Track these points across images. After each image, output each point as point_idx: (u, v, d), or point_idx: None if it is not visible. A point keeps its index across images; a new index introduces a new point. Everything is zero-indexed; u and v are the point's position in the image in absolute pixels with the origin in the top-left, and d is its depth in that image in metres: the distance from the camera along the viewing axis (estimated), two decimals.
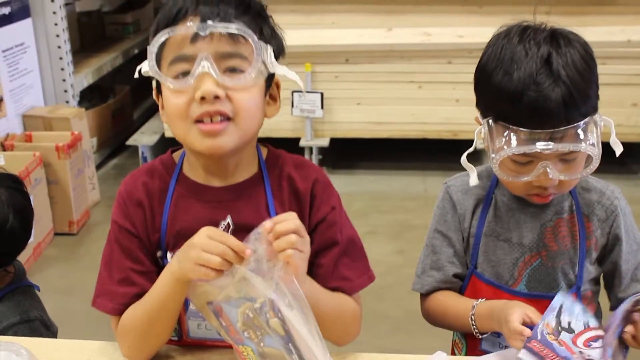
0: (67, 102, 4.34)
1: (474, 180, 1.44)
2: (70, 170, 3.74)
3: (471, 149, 1.41)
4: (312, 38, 4.05)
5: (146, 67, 1.25)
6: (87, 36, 5.18)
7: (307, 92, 4.13)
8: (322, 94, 4.15)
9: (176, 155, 1.40)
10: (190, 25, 1.20)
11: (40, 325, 1.66)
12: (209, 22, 1.20)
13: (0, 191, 1.69)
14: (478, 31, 4.11)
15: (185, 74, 1.21)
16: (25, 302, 1.69)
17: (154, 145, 4.44)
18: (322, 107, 4.18)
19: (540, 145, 1.27)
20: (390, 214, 3.91)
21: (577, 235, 1.46)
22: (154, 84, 1.31)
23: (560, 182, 1.35)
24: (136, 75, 1.30)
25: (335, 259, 1.35)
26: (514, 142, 1.29)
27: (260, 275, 1.14)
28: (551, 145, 1.27)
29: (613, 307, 1.50)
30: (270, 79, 1.30)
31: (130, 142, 4.52)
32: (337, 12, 4.44)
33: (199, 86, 1.19)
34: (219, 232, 1.18)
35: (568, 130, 1.28)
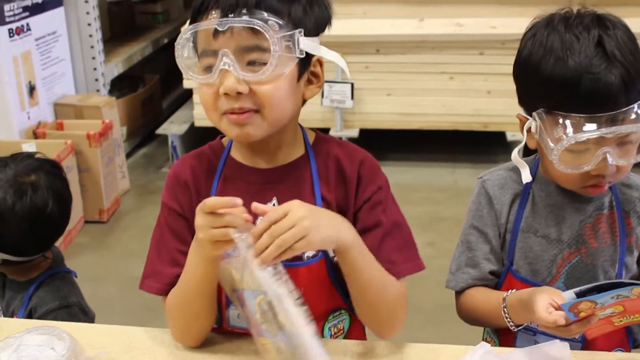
0: (97, 90, 4.36)
1: (526, 176, 1.40)
2: (101, 158, 3.76)
3: (521, 145, 1.39)
4: (342, 28, 4.03)
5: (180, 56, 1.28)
6: (117, 25, 5.20)
7: (337, 82, 4.11)
8: (352, 85, 4.13)
9: (225, 140, 1.41)
10: (212, 20, 1.21)
11: (78, 311, 1.67)
12: (230, 15, 1.18)
13: (40, 176, 1.70)
14: (511, 22, 4.08)
15: (212, 67, 1.22)
16: (64, 288, 1.70)
17: (183, 135, 4.45)
18: (352, 97, 4.16)
19: (602, 129, 1.25)
20: (420, 206, 3.88)
21: (617, 231, 1.43)
22: None
23: (617, 168, 1.32)
24: (177, 59, 1.31)
25: (379, 240, 1.32)
26: (574, 130, 1.27)
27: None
28: (613, 128, 1.25)
29: None
30: (307, 60, 1.27)
31: (160, 131, 4.54)
32: (368, 2, 4.43)
33: (221, 82, 1.21)
34: (211, 203, 1.16)
35: (627, 111, 1.26)
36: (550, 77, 1.29)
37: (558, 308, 1.23)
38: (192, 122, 4.45)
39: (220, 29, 1.19)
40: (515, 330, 1.40)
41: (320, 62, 1.31)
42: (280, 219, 1.14)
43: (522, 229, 1.46)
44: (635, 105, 1.26)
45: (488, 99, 4.20)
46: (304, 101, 1.33)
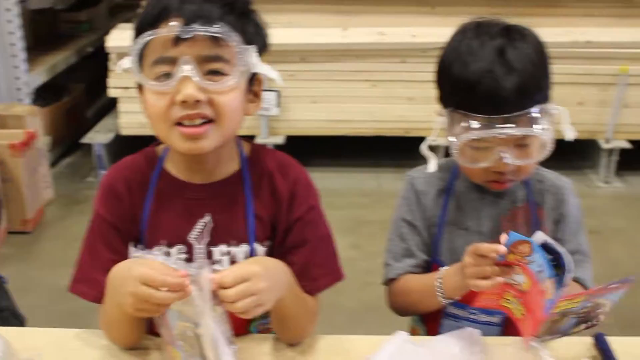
0: (20, 100, 4.28)
1: (432, 166, 1.50)
2: (24, 168, 3.70)
3: (431, 138, 1.47)
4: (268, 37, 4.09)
5: (127, 64, 1.25)
6: (40, 34, 5.11)
7: (263, 90, 4.14)
8: (278, 92, 4.18)
9: (160, 148, 1.41)
10: (172, 26, 1.20)
11: (9, 315, 1.68)
12: (192, 24, 1.19)
13: None
14: (431, 31, 4.19)
15: (167, 75, 1.21)
16: None
17: (108, 144, 4.41)
18: (278, 105, 4.20)
19: (495, 130, 1.34)
20: (345, 210, 3.96)
21: (531, 223, 1.53)
22: (132, 84, 1.31)
23: (517, 168, 1.42)
24: (117, 71, 1.31)
25: (305, 259, 1.38)
26: (471, 127, 1.36)
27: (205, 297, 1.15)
28: (506, 129, 1.34)
29: None
30: (252, 77, 1.30)
31: (85, 140, 4.48)
32: (292, 11, 4.49)
33: (180, 89, 1.19)
34: (153, 277, 1.12)
35: (522, 116, 1.35)
36: (456, 79, 1.40)
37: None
38: (118, 131, 4.42)
39: (183, 37, 1.19)
40: (445, 303, 1.45)
41: (259, 82, 1.34)
42: (242, 282, 1.15)
43: (447, 222, 1.55)
44: (534, 110, 1.36)
45: (410, 105, 4.29)
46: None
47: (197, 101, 1.20)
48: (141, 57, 1.24)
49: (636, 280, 1.29)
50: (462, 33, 1.44)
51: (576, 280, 1.49)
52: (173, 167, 1.38)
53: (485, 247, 1.29)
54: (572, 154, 4.53)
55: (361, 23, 4.46)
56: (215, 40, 1.21)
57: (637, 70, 4.25)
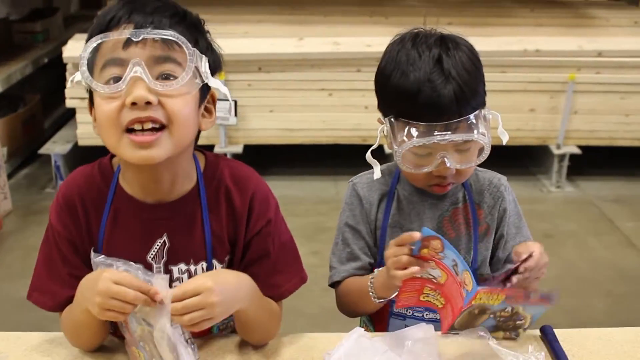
0: None
1: (377, 173, 1.54)
2: None
3: (375, 146, 1.51)
4: (225, 47, 4.05)
5: (79, 77, 1.22)
6: None
7: (220, 99, 4.18)
8: (235, 102, 4.22)
9: (115, 161, 1.38)
10: (123, 31, 1.19)
11: None
12: (143, 29, 1.18)
13: None
14: (385, 40, 4.19)
15: (117, 79, 1.18)
16: None
17: (66, 154, 4.41)
18: (235, 114, 4.24)
19: (437, 137, 1.39)
20: (304, 217, 4.01)
21: (471, 222, 1.59)
22: (87, 95, 1.29)
23: (457, 171, 1.47)
24: (69, 85, 1.28)
25: (268, 269, 1.40)
26: (413, 135, 1.40)
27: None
28: (447, 135, 1.40)
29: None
30: (205, 91, 1.30)
31: (43, 151, 4.48)
32: (249, 22, 4.54)
33: (130, 91, 1.17)
34: (125, 278, 1.18)
35: (461, 122, 1.40)
36: (396, 88, 1.44)
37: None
38: (76, 142, 4.41)
39: (134, 39, 1.17)
40: (378, 302, 1.48)
41: (213, 99, 1.35)
42: (192, 296, 1.19)
43: (390, 225, 1.60)
44: (472, 116, 1.41)
45: (366, 114, 4.34)
46: (199, 133, 1.34)
47: (148, 103, 1.17)
48: (92, 64, 1.22)
49: (559, 300, 1.33)
50: (400, 43, 1.48)
51: None
52: (127, 185, 1.35)
53: (403, 235, 1.34)
54: (526, 160, 4.63)
55: (316, 33, 4.52)
56: (166, 43, 1.20)
57: (584, 77, 4.38)
